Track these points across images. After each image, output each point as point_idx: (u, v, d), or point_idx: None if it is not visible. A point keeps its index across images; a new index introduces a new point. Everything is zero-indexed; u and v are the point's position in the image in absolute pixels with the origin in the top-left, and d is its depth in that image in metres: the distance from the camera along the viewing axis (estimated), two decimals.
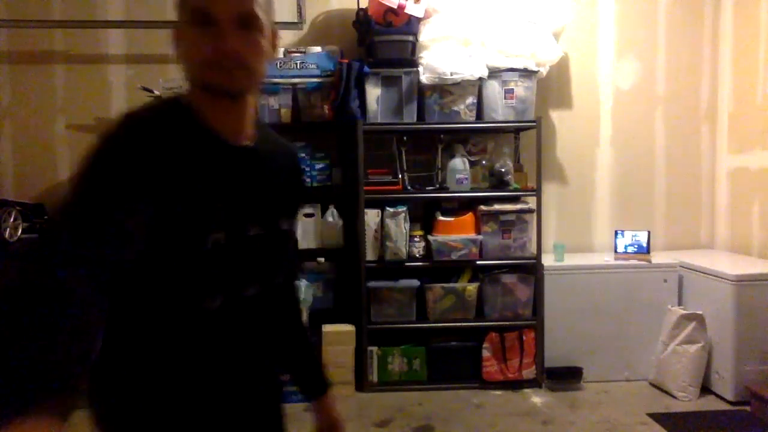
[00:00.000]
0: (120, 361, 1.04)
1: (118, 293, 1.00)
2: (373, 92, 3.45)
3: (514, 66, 3.46)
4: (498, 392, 3.47)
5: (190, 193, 0.98)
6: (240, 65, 0.98)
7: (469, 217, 3.53)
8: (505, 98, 3.48)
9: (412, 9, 3.33)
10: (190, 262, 0.99)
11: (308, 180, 3.55)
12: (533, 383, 3.52)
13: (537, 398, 3.39)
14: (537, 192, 3.52)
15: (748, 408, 3.14)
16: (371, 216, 3.48)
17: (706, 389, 3.35)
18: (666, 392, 3.38)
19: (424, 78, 3.39)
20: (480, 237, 3.50)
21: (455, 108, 3.48)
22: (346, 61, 3.42)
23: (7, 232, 3.10)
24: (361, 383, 3.46)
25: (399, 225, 3.44)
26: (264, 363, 1.18)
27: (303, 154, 3.54)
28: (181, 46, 1.02)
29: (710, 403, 3.26)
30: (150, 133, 0.97)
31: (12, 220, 3.15)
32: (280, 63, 3.45)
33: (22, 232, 3.19)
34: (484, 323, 3.55)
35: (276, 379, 1.22)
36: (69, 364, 0.87)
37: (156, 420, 1.04)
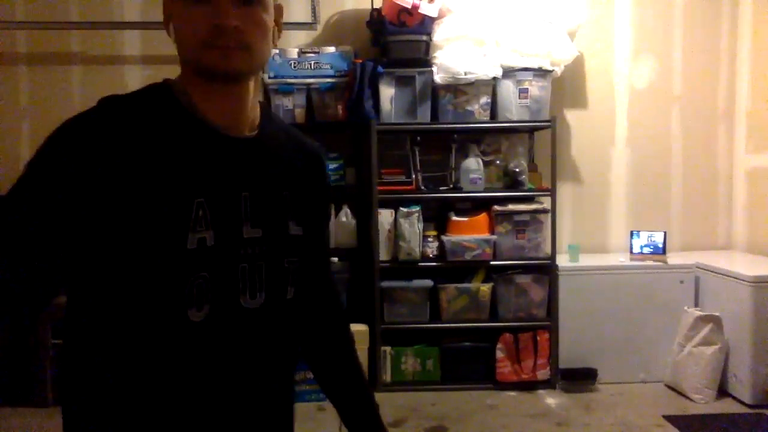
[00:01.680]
0: (92, 382, 0.89)
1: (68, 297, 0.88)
2: (387, 92, 3.45)
3: (529, 65, 3.44)
4: (512, 393, 3.45)
5: (161, 184, 0.85)
6: (240, 44, 0.87)
7: (482, 218, 3.52)
8: (519, 98, 3.47)
9: (426, 9, 3.33)
10: (169, 263, 0.85)
11: None
12: (547, 384, 3.50)
13: (551, 399, 3.37)
14: (551, 192, 3.50)
15: (766, 411, 3.10)
16: (385, 216, 3.48)
17: (723, 392, 3.31)
18: (682, 394, 3.35)
19: (438, 78, 3.38)
20: (494, 237, 3.49)
21: (469, 108, 3.47)
22: (360, 61, 3.42)
23: None
24: (375, 383, 3.46)
25: (412, 225, 3.44)
26: (272, 388, 0.99)
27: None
28: (174, 25, 0.90)
29: (727, 406, 3.22)
30: (122, 115, 0.86)
31: None
32: (295, 63, 3.47)
33: None
34: (497, 324, 3.54)
35: (287, 410, 1.05)
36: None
37: None
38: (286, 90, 3.49)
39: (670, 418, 3.06)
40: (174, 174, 0.86)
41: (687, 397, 3.31)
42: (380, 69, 3.39)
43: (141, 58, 3.74)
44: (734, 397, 3.27)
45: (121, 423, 0.88)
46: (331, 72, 3.48)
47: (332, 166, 3.57)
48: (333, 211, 3.60)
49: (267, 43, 0.92)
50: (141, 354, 0.87)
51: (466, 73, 3.36)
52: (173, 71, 0.95)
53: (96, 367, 0.88)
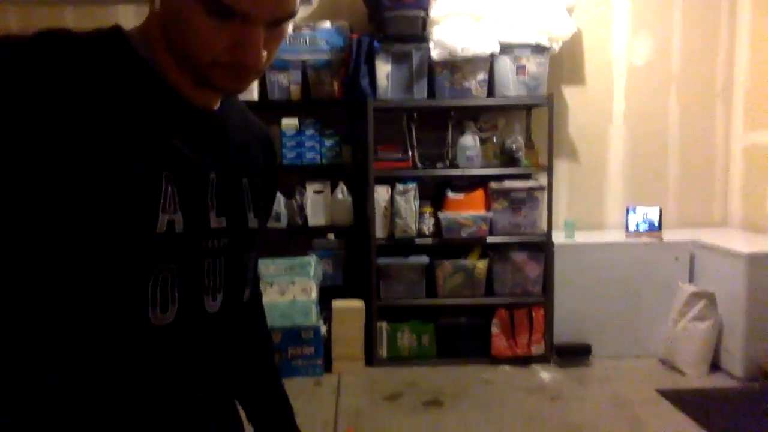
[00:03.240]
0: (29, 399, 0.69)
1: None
2: (384, 68, 3.42)
3: (527, 42, 3.41)
4: (507, 368, 3.49)
5: (123, 147, 0.67)
6: (258, 70, 0.72)
7: (479, 194, 3.53)
8: (516, 74, 3.45)
9: None
10: (133, 249, 0.67)
11: (318, 157, 3.55)
12: (542, 359, 3.54)
13: (546, 374, 3.41)
14: (548, 169, 3.49)
15: (757, 385, 3.14)
16: (381, 193, 3.48)
17: (715, 366, 3.36)
18: (675, 369, 3.39)
19: (435, 54, 3.35)
20: (490, 214, 3.50)
21: (466, 84, 3.45)
22: (356, 36, 3.39)
23: None
24: (371, 358, 3.49)
25: (409, 202, 3.44)
26: (221, 402, 0.87)
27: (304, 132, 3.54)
28: (171, 10, 0.69)
29: (719, 381, 3.27)
30: (73, 60, 0.66)
31: None
32: (290, 39, 3.43)
33: None
34: (493, 300, 3.57)
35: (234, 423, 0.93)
36: None
37: None
38: (282, 66, 3.46)
39: (663, 392, 3.10)
40: (137, 137, 0.68)
41: (680, 372, 3.35)
42: (377, 45, 3.36)
43: None
44: (726, 372, 3.32)
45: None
46: (326, 48, 3.45)
47: (328, 143, 3.57)
48: (329, 188, 3.60)
49: None
50: (75, 370, 0.69)
51: (463, 49, 3.32)
52: None
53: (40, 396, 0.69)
